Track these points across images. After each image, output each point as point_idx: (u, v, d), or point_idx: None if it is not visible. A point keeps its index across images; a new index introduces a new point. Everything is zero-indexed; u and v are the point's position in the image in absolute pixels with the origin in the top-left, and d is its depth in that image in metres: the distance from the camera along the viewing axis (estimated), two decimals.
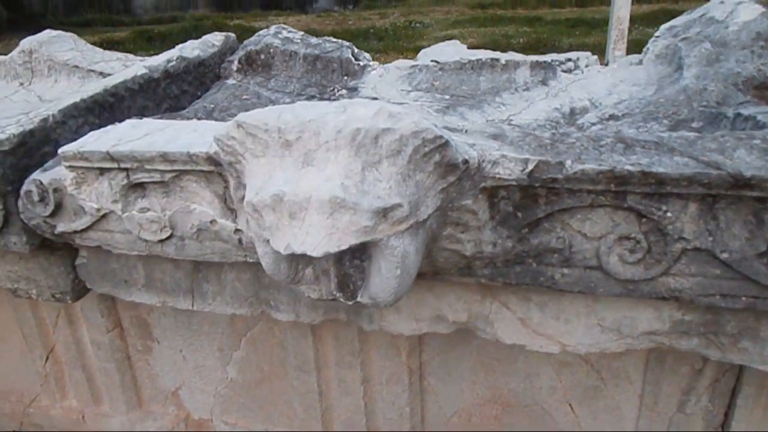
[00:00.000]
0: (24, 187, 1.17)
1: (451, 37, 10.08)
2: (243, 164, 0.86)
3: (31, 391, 2.22)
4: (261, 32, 2.09)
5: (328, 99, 1.74)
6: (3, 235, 1.26)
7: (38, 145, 1.27)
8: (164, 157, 1.00)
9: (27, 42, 2.16)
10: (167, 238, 1.13)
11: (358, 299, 0.92)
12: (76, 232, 1.18)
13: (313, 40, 2.02)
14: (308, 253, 0.78)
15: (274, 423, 1.99)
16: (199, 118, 1.58)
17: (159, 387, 2.06)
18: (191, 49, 1.86)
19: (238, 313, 1.31)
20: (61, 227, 1.19)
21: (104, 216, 1.15)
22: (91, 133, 1.13)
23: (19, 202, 1.20)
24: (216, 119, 1.57)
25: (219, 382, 1.97)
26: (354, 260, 0.92)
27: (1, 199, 1.20)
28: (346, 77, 1.87)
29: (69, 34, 2.26)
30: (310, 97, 1.74)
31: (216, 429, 2.10)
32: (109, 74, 2.12)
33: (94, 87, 1.46)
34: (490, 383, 1.67)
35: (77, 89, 2.14)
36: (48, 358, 2.13)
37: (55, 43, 2.19)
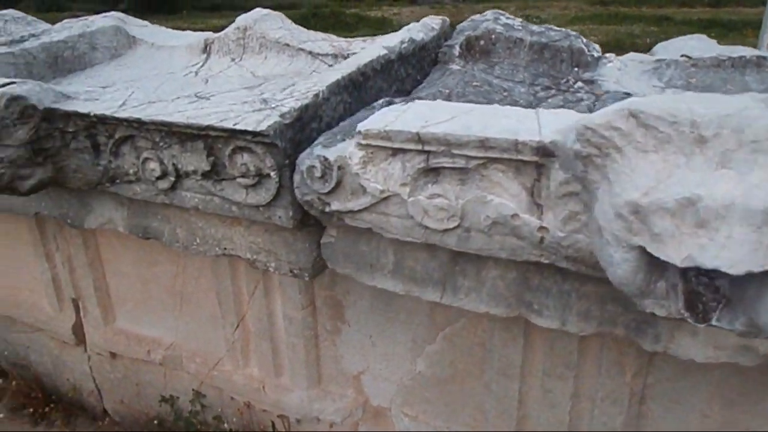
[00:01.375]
0: (305, 162, 1.13)
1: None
2: (614, 158, 0.75)
3: (215, 354, 2.28)
4: (475, 17, 1.99)
5: (565, 91, 1.61)
6: (269, 208, 1.24)
7: (309, 120, 1.24)
8: (483, 143, 0.92)
9: (242, 19, 2.19)
10: (452, 228, 1.05)
11: (715, 322, 0.79)
12: (350, 212, 1.14)
13: (535, 27, 1.88)
14: (722, 269, 0.66)
15: (458, 423, 1.90)
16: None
17: (342, 369, 2.03)
18: (417, 31, 1.78)
19: (492, 312, 1.22)
20: (335, 205, 1.15)
21: (385, 198, 1.09)
22: (382, 111, 1.07)
23: (295, 177, 1.17)
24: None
25: (405, 373, 1.91)
26: (701, 277, 0.79)
27: (277, 172, 1.18)
28: (577, 68, 1.72)
29: (276, 13, 2.27)
30: (546, 88, 1.61)
31: (394, 418, 2.05)
32: (318, 53, 2.11)
33: (347, 66, 1.42)
34: (726, 418, 1.48)
35: (286, 67, 2.14)
36: (238, 326, 2.17)
37: (266, 21, 2.21)
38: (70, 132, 1.37)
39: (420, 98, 1.51)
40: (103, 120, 1.31)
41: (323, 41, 2.15)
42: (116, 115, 1.27)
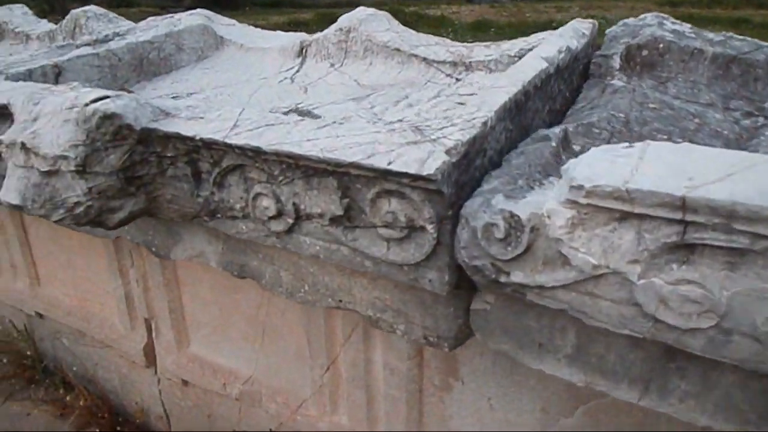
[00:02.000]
0: (481, 218, 0.83)
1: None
2: None
3: (298, 395, 2.03)
4: (629, 21, 1.64)
5: None
6: (417, 269, 0.96)
7: (474, 156, 0.94)
8: None
9: (345, 20, 1.92)
10: (704, 329, 0.73)
11: None
12: (539, 287, 0.83)
13: (712, 35, 1.52)
14: None
15: None
16: (614, 133, 1.18)
17: (449, 430, 1.74)
18: (569, 38, 1.46)
19: (718, 428, 0.89)
20: (517, 277, 0.85)
21: (598, 276, 0.78)
22: (597, 155, 0.76)
23: (462, 234, 0.87)
24: (641, 136, 1.15)
25: None
26: None
27: (435, 225, 0.89)
28: None
29: (382, 12, 1.99)
30: (747, 114, 1.26)
31: None
32: (434, 60, 1.81)
33: (509, 82, 1.11)
34: None
35: (396, 75, 1.85)
36: (328, 369, 1.91)
37: (372, 22, 1.93)
38: (169, 157, 1.11)
39: (591, 123, 1.18)
40: (209, 145, 1.05)
41: (437, 46, 1.85)
42: (229, 141, 1.01)
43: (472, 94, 1.65)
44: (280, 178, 1.02)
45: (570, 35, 1.47)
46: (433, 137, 0.91)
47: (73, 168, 1.02)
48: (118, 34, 2.06)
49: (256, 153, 1.00)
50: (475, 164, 0.95)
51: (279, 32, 2.27)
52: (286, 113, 1.65)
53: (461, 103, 1.60)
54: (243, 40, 2.19)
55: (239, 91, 1.87)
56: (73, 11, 2.66)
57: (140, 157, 1.10)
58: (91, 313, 2.58)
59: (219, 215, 1.18)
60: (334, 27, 1.94)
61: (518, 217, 0.81)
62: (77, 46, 1.94)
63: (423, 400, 1.74)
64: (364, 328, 1.69)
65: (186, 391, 2.37)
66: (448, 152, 0.87)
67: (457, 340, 1.11)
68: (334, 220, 1.00)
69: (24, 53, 2.60)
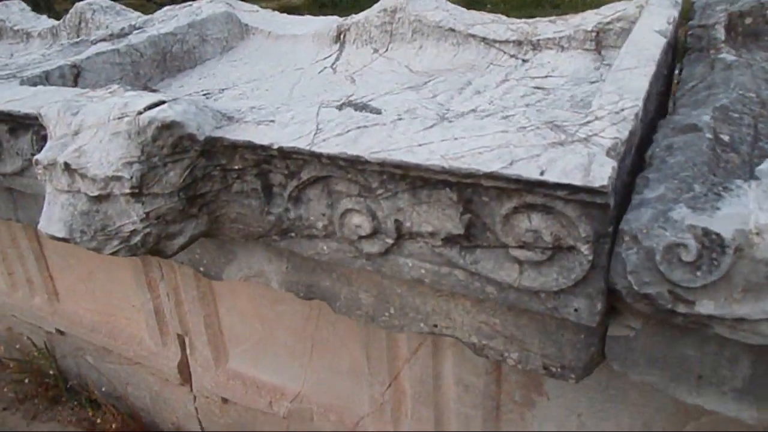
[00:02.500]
0: (663, 237, 0.66)
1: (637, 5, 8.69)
2: None
3: (354, 412, 1.87)
4: None
5: None
6: (558, 296, 0.79)
7: (624, 156, 0.76)
8: None
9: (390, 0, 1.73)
10: None
11: None
12: (740, 320, 0.67)
13: None
14: None
15: None
16: (757, 117, 1.00)
17: None
18: (668, 6, 1.27)
19: None
20: (706, 307, 0.68)
21: None
22: None
23: (629, 256, 0.70)
24: None
25: None
26: None
27: (591, 246, 0.72)
28: None
29: None
30: None
31: None
32: (495, 40, 1.62)
33: (636, 62, 0.93)
34: None
35: (451, 59, 1.66)
36: (390, 386, 1.75)
37: (418, 0, 1.74)
38: (236, 170, 0.93)
39: (725, 107, 1.00)
40: (287, 154, 0.87)
41: (495, 23, 1.66)
42: (317, 150, 0.82)
43: (546, 77, 1.47)
44: (379, 191, 0.84)
45: (667, 4, 1.28)
46: (581, 135, 0.73)
47: (127, 190, 0.84)
48: (135, 27, 1.86)
49: (352, 163, 0.82)
50: (624, 165, 0.77)
51: (308, 17, 2.07)
52: (339, 107, 1.46)
53: (539, 88, 1.42)
54: (270, 27, 1.99)
55: (277, 84, 1.68)
56: (78, 4, 2.45)
57: (202, 172, 0.92)
58: (118, 329, 2.41)
59: (293, 234, 1.00)
60: (376, 8, 1.74)
61: (718, 235, 0.63)
62: (93, 42, 1.74)
63: (500, 417, 1.58)
64: (434, 341, 1.53)
65: (225, 408, 2.21)
66: (608, 154, 0.70)
67: (586, 371, 0.95)
68: (449, 240, 0.83)
69: (29, 53, 2.39)
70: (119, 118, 0.84)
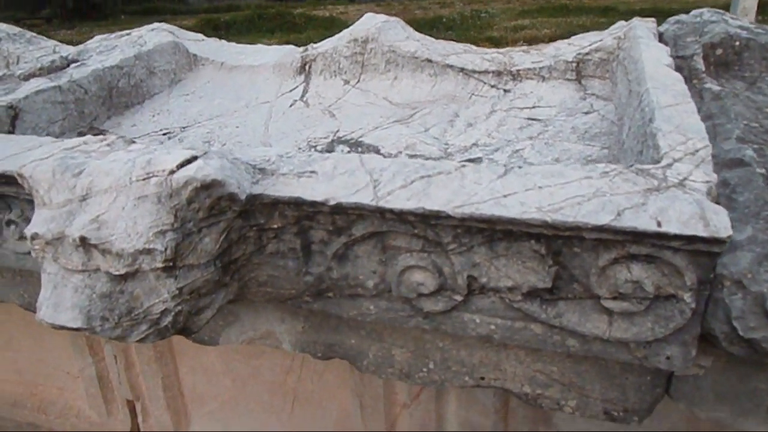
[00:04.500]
0: None
1: (522, 28, 9.36)
2: None
3: None
4: (683, 17, 1.54)
5: None
6: (650, 345, 0.75)
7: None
8: None
9: (360, 30, 1.65)
10: None
11: None
12: None
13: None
14: None
15: None
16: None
17: None
18: (652, 37, 1.31)
19: None
20: None
21: None
22: None
23: (734, 301, 0.68)
24: None
25: None
26: None
27: (693, 293, 0.69)
28: None
29: (395, 19, 1.75)
30: None
31: None
32: (474, 71, 1.60)
33: (674, 99, 0.93)
34: None
35: (430, 89, 1.62)
36: None
37: (389, 30, 1.68)
38: (273, 229, 0.82)
39: (741, 138, 1.04)
40: (343, 210, 0.78)
41: (468, 53, 1.65)
42: (386, 205, 0.74)
43: (534, 107, 1.47)
44: (452, 246, 0.77)
45: (652, 37, 1.33)
46: (672, 180, 0.71)
47: (160, 264, 0.70)
48: (68, 59, 1.64)
49: (424, 218, 0.75)
50: None
51: (260, 46, 1.95)
52: (330, 146, 1.37)
53: (533, 119, 1.42)
54: (222, 57, 1.85)
55: (247, 120, 1.55)
56: None
57: (238, 234, 0.80)
58: (48, 401, 2.11)
59: (330, 294, 0.90)
60: (344, 38, 1.67)
61: None
62: (22, 78, 1.52)
63: None
64: None
65: None
66: (709, 199, 0.68)
67: (649, 411, 0.92)
68: (531, 294, 0.77)
69: None
70: (145, 179, 0.71)
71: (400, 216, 0.76)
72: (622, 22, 1.55)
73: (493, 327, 0.83)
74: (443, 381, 1.03)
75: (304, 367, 1.66)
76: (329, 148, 1.33)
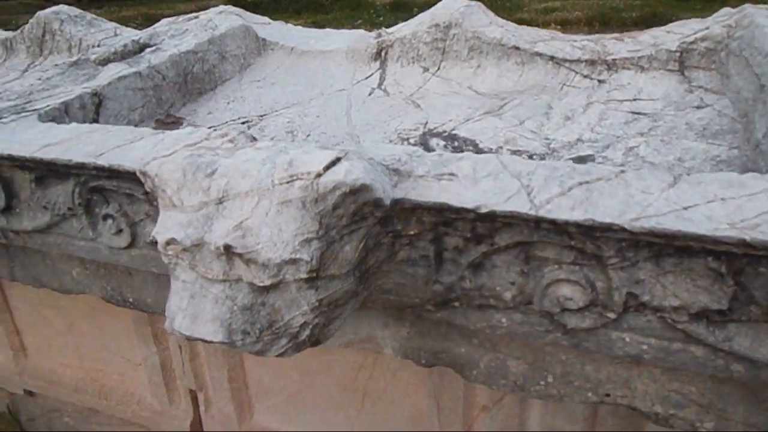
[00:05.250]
0: None
1: (552, 10, 9.07)
2: None
3: None
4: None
5: None
6: None
7: None
8: None
9: (442, 14, 1.57)
10: None
11: None
12: None
13: None
14: None
15: None
16: None
17: None
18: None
19: None
20: None
21: None
22: None
23: None
24: None
25: None
26: None
27: None
28: None
29: (476, 2, 1.66)
30: None
31: None
32: (564, 59, 1.51)
33: None
34: None
35: (517, 79, 1.53)
36: None
37: (472, 15, 1.60)
38: (408, 236, 0.76)
39: None
40: (487, 218, 0.71)
41: (556, 41, 1.55)
42: (548, 215, 0.67)
43: (635, 100, 1.38)
44: (613, 260, 0.70)
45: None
46: None
47: (304, 275, 0.64)
48: (139, 43, 1.59)
49: (588, 229, 0.68)
50: None
51: (329, 30, 1.87)
52: (422, 138, 1.30)
53: (637, 113, 1.33)
54: (291, 42, 1.78)
55: (326, 109, 1.48)
56: (41, 13, 2.11)
57: (374, 241, 0.74)
58: (108, 387, 2.10)
59: (457, 304, 0.84)
60: (425, 22, 1.59)
61: None
62: (98, 62, 1.47)
63: None
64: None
65: None
66: None
67: None
68: (699, 315, 0.70)
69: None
70: (288, 182, 0.65)
71: (559, 227, 0.69)
72: (728, 9, 1.44)
73: (645, 347, 0.76)
74: (562, 396, 0.97)
75: (376, 364, 1.61)
76: (422, 141, 1.26)
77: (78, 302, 1.93)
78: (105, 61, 1.50)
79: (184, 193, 0.69)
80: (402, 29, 1.65)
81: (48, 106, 1.16)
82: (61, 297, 1.95)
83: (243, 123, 1.44)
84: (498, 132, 1.27)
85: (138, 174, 0.75)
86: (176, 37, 1.59)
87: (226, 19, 1.70)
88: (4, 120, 1.11)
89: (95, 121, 1.26)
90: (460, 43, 1.56)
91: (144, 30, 1.75)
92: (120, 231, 1.02)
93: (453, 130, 1.30)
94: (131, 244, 1.03)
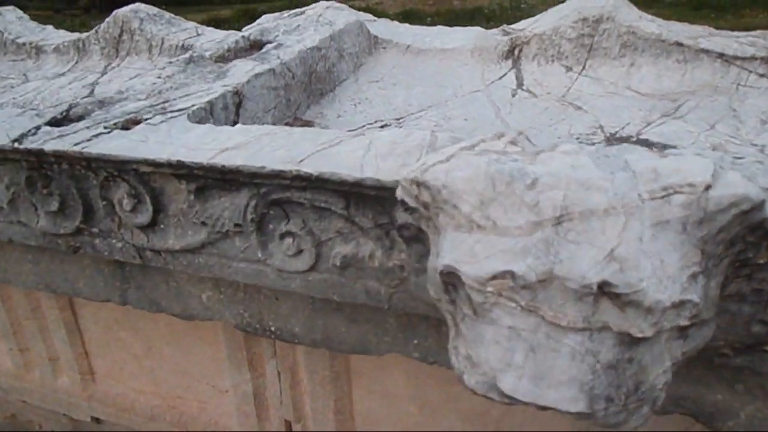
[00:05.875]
0: None
1: None
2: None
3: None
4: None
5: None
6: None
7: None
8: None
9: (592, 7, 1.41)
10: None
11: None
12: None
13: None
14: None
15: None
16: None
17: None
18: None
19: None
20: None
21: None
22: None
23: None
24: None
25: None
26: None
27: None
28: None
29: None
30: None
31: None
32: (735, 56, 1.35)
33: None
34: None
35: (680, 78, 1.37)
36: None
37: (622, 8, 1.44)
38: (756, 265, 0.59)
39: None
40: None
41: (716, 36, 1.39)
42: None
43: None
44: None
45: None
46: None
47: (684, 323, 0.48)
48: (250, 40, 1.43)
49: None
50: None
51: (443, 27, 1.71)
52: (609, 145, 1.13)
53: None
54: (404, 40, 1.62)
55: (470, 112, 1.32)
56: (119, 11, 1.96)
57: (725, 273, 0.57)
58: (188, 416, 1.93)
59: None
60: (569, 17, 1.43)
61: None
62: (215, 60, 1.31)
63: None
64: None
65: None
66: None
67: None
68: None
69: (53, 71, 1.88)
70: (662, 197, 0.48)
71: None
72: None
73: None
74: None
75: None
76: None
77: (159, 324, 1.77)
78: (222, 59, 1.34)
79: (496, 209, 0.52)
80: (537, 25, 1.49)
81: (193, 105, 0.99)
82: (140, 319, 1.79)
83: (381, 127, 1.27)
84: (695, 137, 1.10)
85: (405, 185, 0.58)
86: (291, 32, 1.43)
87: (338, 14, 1.54)
88: (150, 121, 0.95)
89: (235, 123, 1.09)
90: (611, 39, 1.40)
91: (248, 27, 1.59)
92: (300, 252, 0.85)
93: (639, 134, 1.14)
94: (312, 267, 0.86)
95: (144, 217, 0.94)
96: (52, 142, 0.92)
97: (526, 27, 1.50)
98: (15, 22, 2.26)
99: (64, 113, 1.04)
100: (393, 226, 0.78)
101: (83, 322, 1.94)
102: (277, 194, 0.82)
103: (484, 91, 1.42)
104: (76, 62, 2.03)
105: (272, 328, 1.13)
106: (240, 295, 1.11)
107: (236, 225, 0.87)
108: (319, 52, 1.36)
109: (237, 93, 1.08)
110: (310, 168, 0.74)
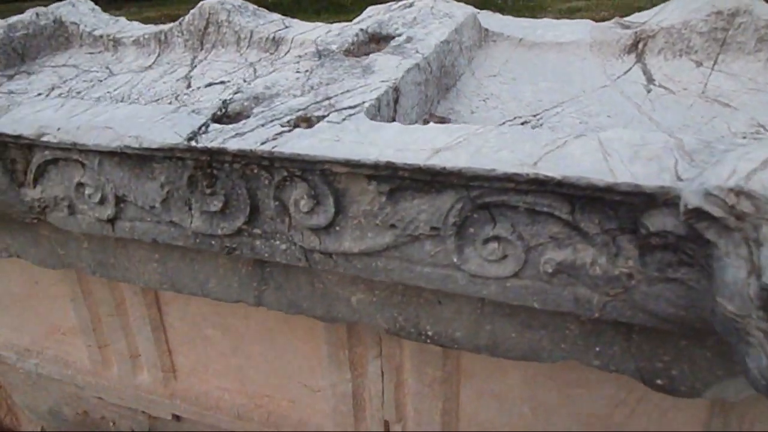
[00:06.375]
0: None
1: (577, 9, 8.84)
2: None
3: None
4: None
5: None
6: None
7: None
8: None
9: (729, 0, 1.36)
10: None
11: None
12: None
13: None
14: None
15: None
16: None
17: None
18: None
19: None
20: None
21: None
22: None
23: None
24: None
25: None
26: None
27: None
28: None
29: None
30: None
31: None
32: None
33: None
34: None
35: None
36: None
37: (758, 1, 1.39)
38: None
39: None
40: None
41: None
42: None
43: None
44: None
45: None
46: None
47: None
48: (369, 34, 1.38)
49: None
50: None
51: (548, 20, 1.67)
52: None
53: None
54: (515, 32, 1.57)
55: (612, 108, 1.27)
56: (204, 3, 1.92)
57: None
58: (278, 415, 1.90)
59: None
60: (701, 10, 1.38)
61: None
62: (342, 52, 1.26)
63: None
64: None
65: None
66: None
67: None
68: None
69: (155, 69, 1.84)
70: None
71: None
72: None
73: None
74: None
75: (643, 401, 1.40)
76: None
77: (250, 322, 1.74)
78: (348, 53, 1.29)
79: None
80: (661, 17, 1.44)
81: (364, 102, 0.95)
82: (231, 316, 1.76)
83: (521, 124, 1.23)
84: None
85: (718, 194, 0.54)
86: (412, 25, 1.39)
87: (451, 6, 1.49)
88: (331, 120, 0.91)
89: (393, 119, 1.05)
90: (747, 33, 1.35)
91: (359, 18, 1.55)
92: (504, 257, 0.81)
93: None
94: (516, 273, 0.82)
95: (322, 218, 0.90)
96: (232, 140, 0.88)
97: (648, 20, 1.46)
98: (88, 14, 2.21)
99: (223, 109, 1.00)
100: (620, 232, 0.74)
101: (168, 319, 1.92)
102: (491, 197, 0.78)
103: (612, 86, 1.37)
104: (159, 55, 1.99)
105: (429, 333, 1.09)
106: (396, 298, 1.07)
107: (432, 228, 0.84)
108: (447, 46, 1.31)
109: (396, 89, 1.04)
110: (549, 171, 0.70)
